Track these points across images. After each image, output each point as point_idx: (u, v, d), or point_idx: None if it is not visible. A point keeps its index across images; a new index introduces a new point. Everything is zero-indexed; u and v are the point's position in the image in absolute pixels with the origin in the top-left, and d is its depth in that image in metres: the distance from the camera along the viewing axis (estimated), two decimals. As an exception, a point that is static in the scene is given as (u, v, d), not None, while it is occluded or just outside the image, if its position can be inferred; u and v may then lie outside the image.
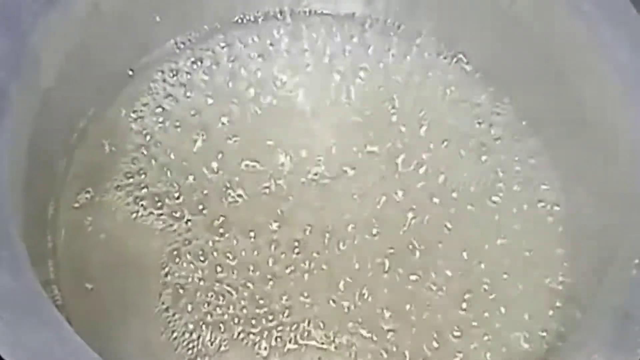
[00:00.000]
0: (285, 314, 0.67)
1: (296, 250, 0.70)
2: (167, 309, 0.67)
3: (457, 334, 0.67)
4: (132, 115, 0.75)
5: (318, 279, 0.69)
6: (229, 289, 0.68)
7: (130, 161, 0.73)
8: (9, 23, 0.62)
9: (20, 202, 0.62)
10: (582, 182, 0.70)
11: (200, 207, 0.71)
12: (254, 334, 0.66)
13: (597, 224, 0.67)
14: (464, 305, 0.68)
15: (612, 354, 0.55)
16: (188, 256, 0.69)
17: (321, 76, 0.78)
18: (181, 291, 0.68)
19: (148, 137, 0.74)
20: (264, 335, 0.66)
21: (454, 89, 0.77)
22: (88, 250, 0.69)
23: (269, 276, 0.69)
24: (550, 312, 0.68)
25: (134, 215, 0.71)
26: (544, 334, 0.67)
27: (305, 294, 0.68)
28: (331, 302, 0.68)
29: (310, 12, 0.81)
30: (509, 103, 0.76)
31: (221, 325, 0.67)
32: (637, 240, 0.60)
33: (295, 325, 0.67)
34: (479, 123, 0.76)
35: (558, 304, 0.68)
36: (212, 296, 0.68)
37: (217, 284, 0.68)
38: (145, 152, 0.73)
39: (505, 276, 0.69)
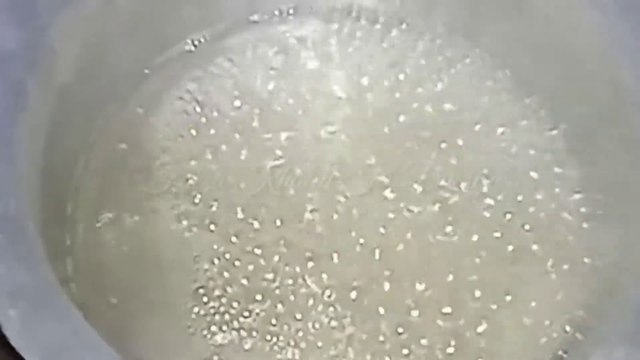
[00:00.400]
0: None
1: (324, 263, 0.69)
2: (189, 309, 0.67)
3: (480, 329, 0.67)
4: (150, 113, 0.75)
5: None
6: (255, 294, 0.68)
7: (148, 160, 0.73)
8: (24, 17, 0.62)
9: (38, 199, 0.61)
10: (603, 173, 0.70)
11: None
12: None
13: (618, 215, 0.66)
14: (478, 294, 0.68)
15: (634, 350, 0.54)
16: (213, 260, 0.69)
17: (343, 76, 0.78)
18: (202, 291, 0.67)
19: (166, 136, 0.74)
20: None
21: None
22: (106, 249, 0.69)
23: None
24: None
25: (154, 214, 0.71)
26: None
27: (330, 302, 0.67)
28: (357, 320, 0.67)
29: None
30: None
31: (241, 328, 0.66)
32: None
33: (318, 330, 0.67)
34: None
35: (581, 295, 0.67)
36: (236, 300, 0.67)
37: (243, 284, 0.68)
38: (164, 151, 0.73)
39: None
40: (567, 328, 0.66)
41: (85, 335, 0.52)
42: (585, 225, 0.70)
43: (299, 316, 0.67)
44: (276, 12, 0.80)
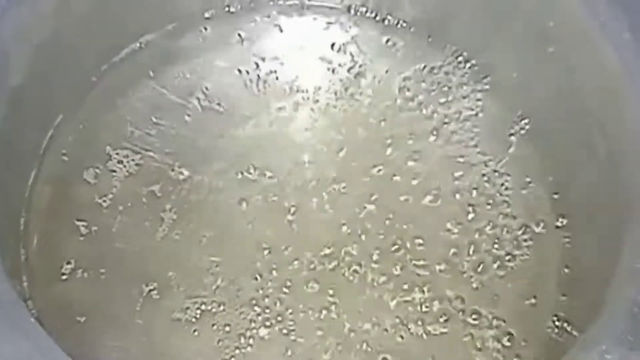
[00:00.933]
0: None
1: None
2: (142, 316, 0.65)
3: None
4: (104, 116, 0.72)
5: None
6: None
7: (102, 164, 0.70)
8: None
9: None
10: (581, 167, 0.68)
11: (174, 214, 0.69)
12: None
13: (604, 216, 0.64)
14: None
15: (625, 352, 0.52)
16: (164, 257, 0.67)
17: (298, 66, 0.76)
18: (157, 297, 0.65)
19: (120, 138, 0.71)
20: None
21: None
22: (61, 260, 0.66)
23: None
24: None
25: (109, 220, 0.68)
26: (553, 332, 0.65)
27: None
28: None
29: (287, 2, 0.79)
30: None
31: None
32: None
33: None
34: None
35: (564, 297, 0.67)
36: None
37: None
38: (116, 156, 0.70)
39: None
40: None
41: (47, 351, 0.49)
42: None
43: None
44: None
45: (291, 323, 0.64)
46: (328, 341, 0.64)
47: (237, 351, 0.63)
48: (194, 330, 0.64)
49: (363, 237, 0.68)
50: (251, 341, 0.64)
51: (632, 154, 0.61)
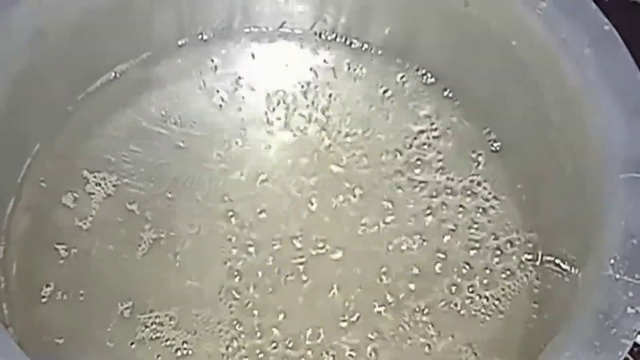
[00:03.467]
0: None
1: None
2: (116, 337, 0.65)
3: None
4: (81, 144, 0.73)
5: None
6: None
7: (80, 188, 0.71)
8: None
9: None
10: (550, 183, 0.69)
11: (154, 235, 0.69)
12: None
13: (569, 224, 0.66)
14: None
15: (593, 357, 0.53)
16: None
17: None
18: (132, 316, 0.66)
19: (98, 164, 0.72)
20: None
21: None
22: (41, 284, 0.67)
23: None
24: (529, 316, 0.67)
25: (89, 242, 0.69)
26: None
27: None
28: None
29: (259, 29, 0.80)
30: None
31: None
32: (610, 240, 0.58)
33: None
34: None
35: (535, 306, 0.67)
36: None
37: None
38: (94, 179, 0.71)
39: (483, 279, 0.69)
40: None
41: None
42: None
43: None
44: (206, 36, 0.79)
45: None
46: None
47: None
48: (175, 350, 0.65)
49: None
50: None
51: (596, 169, 0.62)
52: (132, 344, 0.65)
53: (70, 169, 0.72)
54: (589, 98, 0.63)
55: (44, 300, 0.66)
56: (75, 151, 0.73)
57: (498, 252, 0.70)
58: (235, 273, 0.68)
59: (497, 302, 0.68)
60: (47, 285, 0.66)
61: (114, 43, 0.75)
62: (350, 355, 0.65)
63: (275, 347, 0.65)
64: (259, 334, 0.66)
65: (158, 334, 0.65)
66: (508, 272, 0.69)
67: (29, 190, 0.71)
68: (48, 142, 0.73)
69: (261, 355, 0.65)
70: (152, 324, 0.65)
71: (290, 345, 0.65)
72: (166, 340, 0.65)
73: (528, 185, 0.72)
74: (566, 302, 0.60)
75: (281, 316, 0.67)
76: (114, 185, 0.71)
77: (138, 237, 0.69)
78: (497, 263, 0.70)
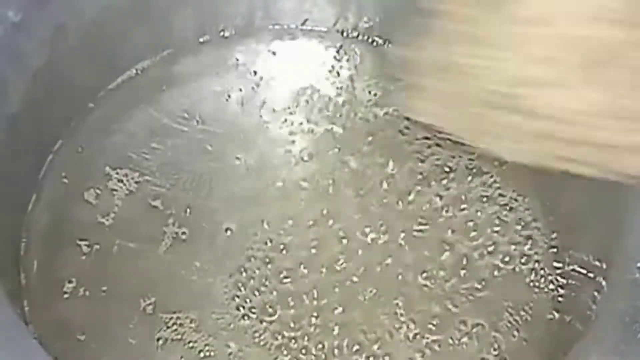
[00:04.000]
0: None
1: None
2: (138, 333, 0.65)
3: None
4: (102, 140, 0.73)
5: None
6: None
7: (102, 184, 0.71)
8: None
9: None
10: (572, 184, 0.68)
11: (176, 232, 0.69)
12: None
13: (594, 227, 0.65)
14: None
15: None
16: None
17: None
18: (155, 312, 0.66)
19: (119, 161, 0.72)
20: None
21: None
22: (63, 280, 0.67)
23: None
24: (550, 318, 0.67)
25: (111, 237, 0.69)
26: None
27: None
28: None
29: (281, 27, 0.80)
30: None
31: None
32: (636, 243, 0.58)
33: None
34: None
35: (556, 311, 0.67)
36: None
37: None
38: (116, 175, 0.71)
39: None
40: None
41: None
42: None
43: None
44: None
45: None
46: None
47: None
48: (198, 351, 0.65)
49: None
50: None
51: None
52: (157, 340, 0.65)
53: (92, 165, 0.72)
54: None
55: (65, 296, 0.66)
56: (97, 148, 0.73)
57: (520, 256, 0.70)
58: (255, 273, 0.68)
59: (519, 307, 0.68)
60: (69, 282, 0.67)
61: (135, 40, 0.75)
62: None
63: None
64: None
65: (179, 336, 0.65)
66: (532, 276, 0.69)
67: (51, 187, 0.71)
68: (69, 139, 0.73)
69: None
70: (173, 324, 0.65)
71: (320, 348, 0.66)
72: (189, 342, 0.65)
73: (550, 186, 0.72)
74: (590, 306, 0.60)
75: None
76: (136, 182, 0.71)
77: (160, 233, 0.69)
78: (522, 264, 0.69)
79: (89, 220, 0.69)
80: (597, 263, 0.62)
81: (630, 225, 0.59)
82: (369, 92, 0.77)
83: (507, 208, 0.72)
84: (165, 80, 0.77)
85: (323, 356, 0.65)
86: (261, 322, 0.66)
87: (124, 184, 0.71)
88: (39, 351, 0.52)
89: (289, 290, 0.67)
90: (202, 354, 0.64)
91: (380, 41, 0.79)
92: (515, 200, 0.72)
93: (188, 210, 0.70)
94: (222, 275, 0.68)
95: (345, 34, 0.79)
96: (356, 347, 0.65)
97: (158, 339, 0.65)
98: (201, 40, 0.78)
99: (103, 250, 0.68)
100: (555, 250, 0.70)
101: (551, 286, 0.68)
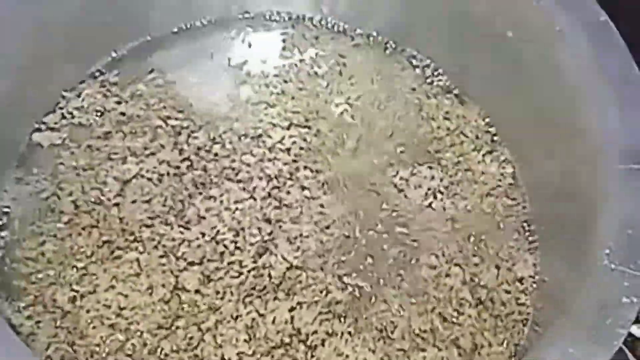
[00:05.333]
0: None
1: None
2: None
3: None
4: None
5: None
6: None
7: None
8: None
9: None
10: (544, 175, 0.70)
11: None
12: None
13: (564, 216, 0.66)
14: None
15: (588, 347, 0.53)
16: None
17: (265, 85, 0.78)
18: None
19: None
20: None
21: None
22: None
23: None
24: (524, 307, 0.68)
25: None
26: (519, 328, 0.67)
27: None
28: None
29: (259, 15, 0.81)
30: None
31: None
32: (606, 230, 0.59)
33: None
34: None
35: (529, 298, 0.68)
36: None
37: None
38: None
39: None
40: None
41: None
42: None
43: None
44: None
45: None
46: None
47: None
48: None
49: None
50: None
51: (592, 160, 0.63)
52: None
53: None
54: (585, 90, 0.64)
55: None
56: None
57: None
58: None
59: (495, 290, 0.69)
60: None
61: (113, 28, 0.76)
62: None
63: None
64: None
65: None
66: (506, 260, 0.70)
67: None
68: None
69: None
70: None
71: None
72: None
73: (524, 176, 0.73)
74: (563, 292, 0.61)
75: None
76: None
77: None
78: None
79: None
80: (570, 249, 0.63)
81: (602, 212, 0.60)
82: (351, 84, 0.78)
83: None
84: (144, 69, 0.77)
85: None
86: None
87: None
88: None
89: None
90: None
91: (357, 31, 0.80)
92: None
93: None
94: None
95: (319, 25, 0.80)
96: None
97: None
98: (175, 30, 0.79)
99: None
100: (529, 236, 0.71)
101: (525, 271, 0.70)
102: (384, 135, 0.75)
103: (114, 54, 0.77)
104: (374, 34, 0.80)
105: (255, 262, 0.68)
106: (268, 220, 0.70)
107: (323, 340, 0.65)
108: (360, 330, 0.65)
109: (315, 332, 0.65)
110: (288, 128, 0.75)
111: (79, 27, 0.73)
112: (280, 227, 0.69)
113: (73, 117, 0.74)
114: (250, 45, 0.79)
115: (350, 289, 0.67)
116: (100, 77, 0.76)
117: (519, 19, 0.69)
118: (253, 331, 0.65)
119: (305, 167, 0.73)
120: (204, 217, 0.69)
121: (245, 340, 0.64)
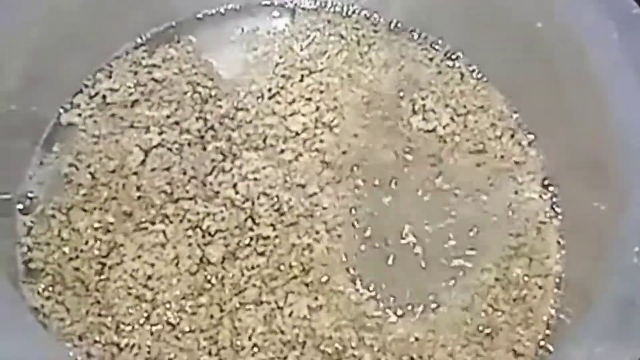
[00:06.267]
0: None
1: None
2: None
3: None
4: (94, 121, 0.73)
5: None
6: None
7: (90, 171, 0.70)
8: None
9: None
10: (575, 169, 0.69)
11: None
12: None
13: (593, 213, 0.65)
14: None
15: (614, 345, 0.53)
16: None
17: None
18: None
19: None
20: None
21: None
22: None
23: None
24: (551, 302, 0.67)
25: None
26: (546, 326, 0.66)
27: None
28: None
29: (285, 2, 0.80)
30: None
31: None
32: (636, 226, 0.58)
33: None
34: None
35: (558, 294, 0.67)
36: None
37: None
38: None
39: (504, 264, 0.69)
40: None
41: (46, 349, 0.50)
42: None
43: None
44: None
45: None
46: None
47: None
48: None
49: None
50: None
51: (620, 156, 0.62)
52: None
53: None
54: (614, 83, 0.63)
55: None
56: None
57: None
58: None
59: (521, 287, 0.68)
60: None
61: (129, 15, 0.76)
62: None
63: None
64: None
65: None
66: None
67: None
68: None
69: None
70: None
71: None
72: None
73: (551, 171, 0.72)
74: (589, 289, 0.60)
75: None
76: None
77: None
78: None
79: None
80: (597, 247, 0.62)
81: (630, 210, 0.59)
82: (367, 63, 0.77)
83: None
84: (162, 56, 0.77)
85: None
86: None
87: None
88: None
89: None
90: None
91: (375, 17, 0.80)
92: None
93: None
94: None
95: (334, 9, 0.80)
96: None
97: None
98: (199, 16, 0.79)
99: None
100: (557, 233, 0.70)
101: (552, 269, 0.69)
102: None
103: (138, 40, 0.77)
104: (395, 21, 0.79)
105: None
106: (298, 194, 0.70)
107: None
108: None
109: (330, 337, 0.65)
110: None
111: (104, 12, 0.73)
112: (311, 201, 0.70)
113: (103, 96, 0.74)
114: (274, 33, 0.78)
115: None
116: (129, 55, 0.76)
117: (549, 10, 0.68)
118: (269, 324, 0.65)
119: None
120: (231, 187, 0.70)
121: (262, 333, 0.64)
